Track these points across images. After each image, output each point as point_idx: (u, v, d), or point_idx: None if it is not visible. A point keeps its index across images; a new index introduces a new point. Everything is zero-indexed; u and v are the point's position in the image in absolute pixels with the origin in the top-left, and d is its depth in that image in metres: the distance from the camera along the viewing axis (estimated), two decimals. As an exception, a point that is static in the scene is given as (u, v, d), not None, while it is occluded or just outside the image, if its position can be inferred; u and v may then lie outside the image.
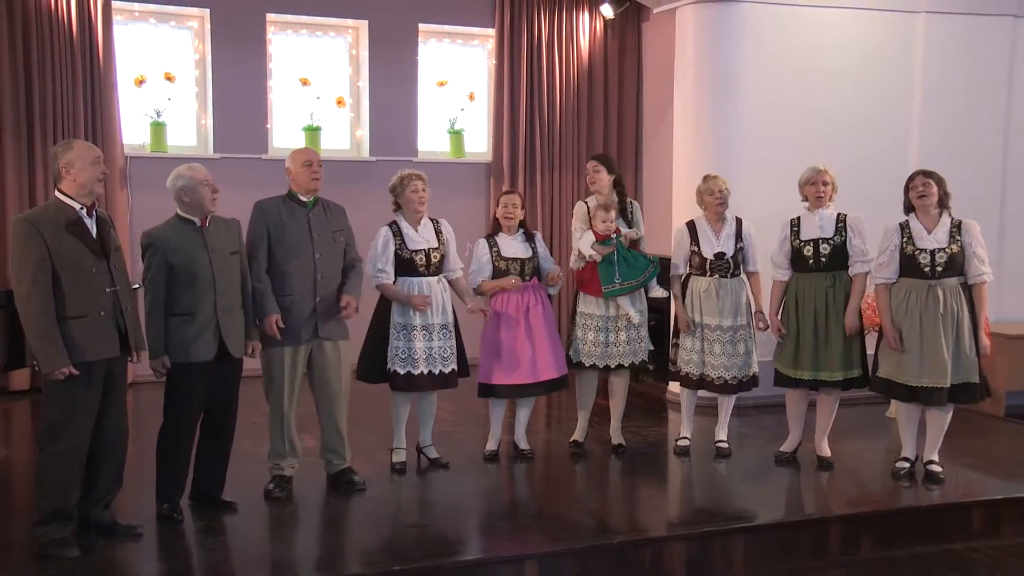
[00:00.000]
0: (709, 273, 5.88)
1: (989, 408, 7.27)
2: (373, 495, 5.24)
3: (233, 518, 4.86)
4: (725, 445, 6.07)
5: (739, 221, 5.93)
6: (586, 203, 6.05)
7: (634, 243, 5.95)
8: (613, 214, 5.85)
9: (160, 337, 4.61)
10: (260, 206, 5.15)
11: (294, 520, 4.92)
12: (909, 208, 5.53)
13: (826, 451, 5.85)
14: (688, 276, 5.99)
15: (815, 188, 5.68)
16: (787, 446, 5.97)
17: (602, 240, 5.82)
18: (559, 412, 7.21)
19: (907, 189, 5.52)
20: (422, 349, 5.46)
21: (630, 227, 5.99)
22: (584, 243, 5.88)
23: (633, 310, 5.86)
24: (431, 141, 8.97)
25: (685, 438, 6.15)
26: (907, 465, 5.65)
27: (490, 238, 5.80)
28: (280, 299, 5.03)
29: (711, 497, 5.49)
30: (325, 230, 5.18)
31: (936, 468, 5.57)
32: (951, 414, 5.58)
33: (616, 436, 6.13)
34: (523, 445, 5.97)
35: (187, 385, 4.70)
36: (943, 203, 5.44)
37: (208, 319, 4.66)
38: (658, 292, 6.00)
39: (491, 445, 5.93)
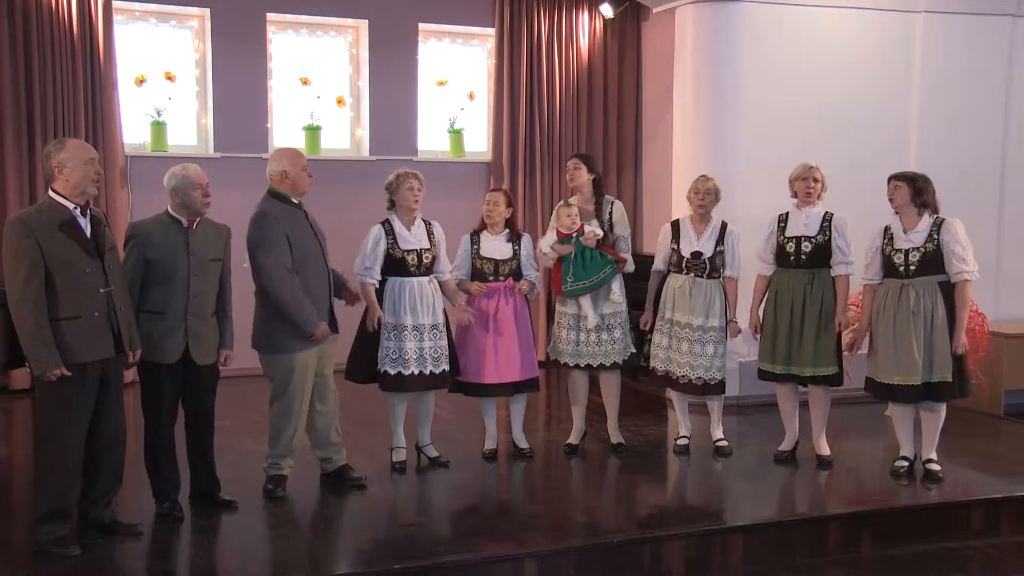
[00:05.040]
0: (686, 271, 5.89)
1: (988, 407, 7.29)
2: (373, 494, 5.25)
3: (233, 517, 4.87)
4: (724, 443, 6.07)
5: (724, 225, 5.93)
6: (568, 202, 6.06)
7: (604, 243, 5.87)
8: (576, 211, 5.86)
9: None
10: (271, 215, 4.98)
11: (294, 518, 4.94)
12: None
13: (825, 450, 5.86)
14: (668, 274, 6.01)
15: (804, 184, 5.71)
16: (785, 445, 5.97)
17: (563, 239, 5.83)
18: (559, 411, 7.21)
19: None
20: (413, 349, 5.46)
21: (611, 228, 5.95)
22: (544, 240, 5.92)
23: (593, 312, 5.82)
24: (431, 140, 8.97)
25: (684, 437, 6.16)
26: (906, 464, 5.67)
27: (474, 235, 5.82)
28: None
29: (710, 496, 5.50)
30: (319, 230, 5.20)
31: (935, 467, 5.58)
32: (944, 412, 5.59)
33: (615, 435, 6.14)
34: (522, 444, 5.98)
35: (156, 385, 4.70)
36: (924, 204, 5.45)
37: (177, 320, 4.64)
38: (615, 296, 5.87)
39: (489, 444, 5.94)
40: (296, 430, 5.13)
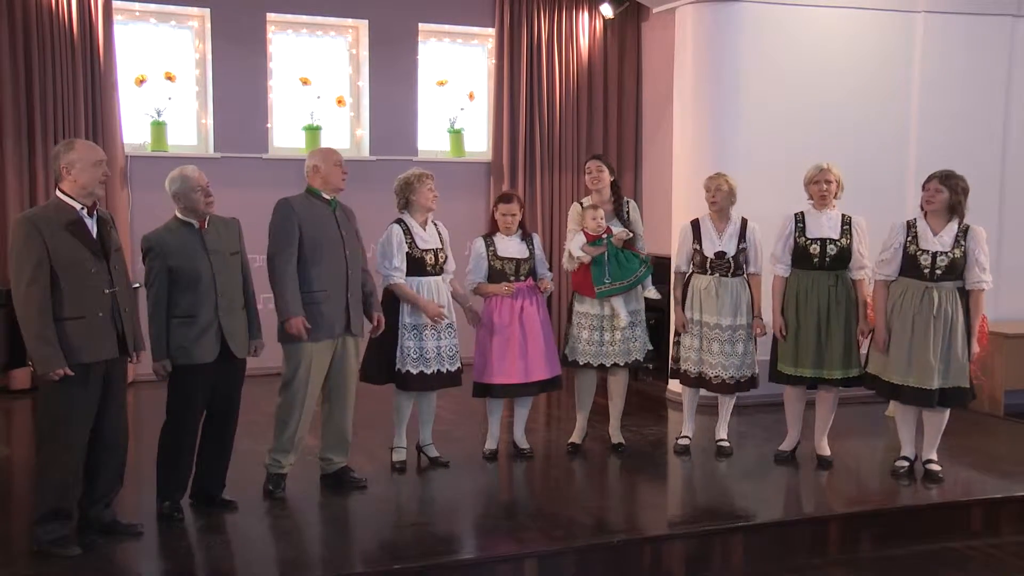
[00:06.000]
0: (710, 272, 5.89)
1: (988, 407, 7.29)
2: (373, 494, 5.25)
3: (233, 517, 4.87)
4: (726, 444, 6.07)
5: (744, 221, 5.93)
6: (580, 204, 6.07)
7: (628, 243, 5.93)
8: (602, 213, 5.87)
9: (162, 340, 4.60)
10: (289, 203, 5.10)
11: (294, 519, 4.94)
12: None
13: (825, 450, 5.86)
14: (691, 274, 6.01)
15: (818, 187, 5.69)
16: (786, 445, 5.98)
17: (592, 241, 5.84)
18: (559, 411, 7.21)
19: (923, 187, 5.51)
20: (433, 348, 5.48)
21: (627, 227, 5.99)
22: (575, 244, 5.90)
23: (624, 311, 5.85)
24: (431, 140, 8.97)
25: (685, 437, 6.16)
26: (906, 464, 5.67)
27: (487, 237, 5.81)
28: (315, 295, 5.05)
29: (711, 496, 5.50)
30: (349, 228, 5.22)
31: (935, 467, 5.58)
32: (948, 414, 5.59)
33: (616, 435, 6.14)
34: (523, 444, 5.98)
35: (190, 386, 4.70)
36: (955, 209, 5.41)
37: (210, 321, 4.66)
38: (651, 292, 5.98)
39: (490, 444, 5.94)
40: (298, 425, 5.13)
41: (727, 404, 6.12)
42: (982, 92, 7.76)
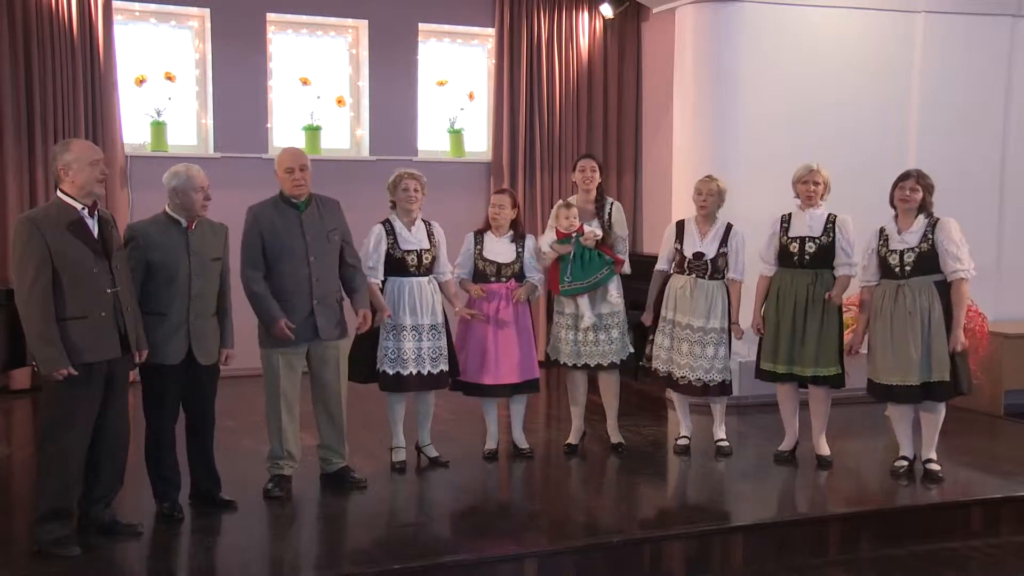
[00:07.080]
0: (687, 272, 5.89)
1: (988, 407, 7.29)
2: (373, 494, 5.25)
3: (233, 517, 4.87)
4: (726, 444, 6.07)
5: (729, 226, 5.92)
6: (564, 201, 6.07)
7: (604, 244, 5.86)
8: (575, 212, 5.85)
9: None
10: (252, 212, 5.09)
11: (294, 519, 4.94)
12: (892, 202, 5.56)
13: (825, 450, 5.86)
14: (671, 274, 6.00)
15: (806, 187, 5.71)
16: (785, 445, 5.97)
17: (562, 239, 5.83)
18: (559, 411, 7.20)
19: (895, 186, 5.54)
20: (411, 350, 5.46)
21: (610, 228, 5.94)
22: (544, 240, 5.91)
23: (589, 311, 5.81)
24: (431, 141, 8.98)
25: (685, 437, 6.16)
26: (906, 464, 5.67)
27: (478, 234, 5.82)
28: (277, 303, 5.03)
29: (710, 496, 5.49)
30: (319, 231, 5.13)
31: (935, 467, 5.58)
32: (943, 412, 5.59)
33: (614, 435, 6.14)
34: (522, 444, 5.98)
35: (159, 386, 4.70)
36: (924, 206, 5.47)
37: (180, 322, 4.64)
38: (612, 296, 5.87)
39: (490, 444, 5.94)
40: (281, 430, 5.13)
41: (719, 405, 6.11)
42: (982, 92, 7.76)
